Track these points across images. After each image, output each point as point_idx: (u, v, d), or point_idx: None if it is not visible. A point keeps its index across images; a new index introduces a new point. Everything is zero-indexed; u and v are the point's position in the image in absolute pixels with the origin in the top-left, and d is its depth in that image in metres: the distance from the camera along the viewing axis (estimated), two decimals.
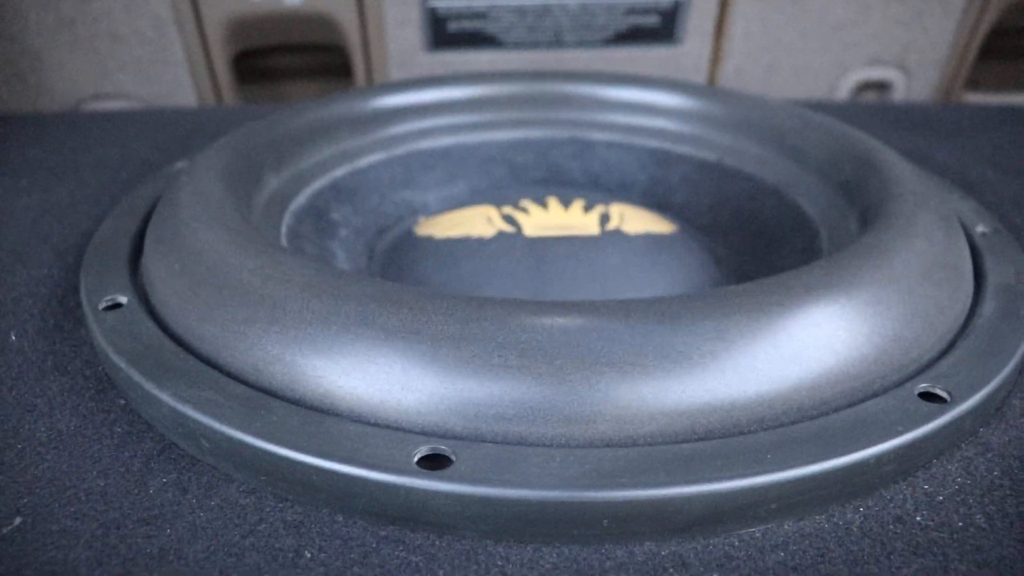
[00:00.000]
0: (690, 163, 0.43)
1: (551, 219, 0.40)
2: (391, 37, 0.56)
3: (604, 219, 0.41)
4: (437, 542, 0.20)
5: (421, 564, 0.20)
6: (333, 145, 0.42)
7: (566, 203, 0.42)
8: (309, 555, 0.20)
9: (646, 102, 0.45)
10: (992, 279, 0.31)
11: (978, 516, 0.22)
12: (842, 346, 0.23)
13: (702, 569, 0.20)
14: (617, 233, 0.39)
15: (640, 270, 0.36)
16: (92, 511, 0.21)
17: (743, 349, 0.22)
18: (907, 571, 0.20)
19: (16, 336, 0.29)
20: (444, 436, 0.21)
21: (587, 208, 0.42)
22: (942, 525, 0.21)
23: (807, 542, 0.21)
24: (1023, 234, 0.38)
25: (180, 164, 0.41)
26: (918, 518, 0.21)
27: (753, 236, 0.39)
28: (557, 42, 0.57)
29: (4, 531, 0.21)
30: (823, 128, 0.40)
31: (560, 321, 0.22)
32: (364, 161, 0.42)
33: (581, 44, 0.57)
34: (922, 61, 0.62)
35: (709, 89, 0.46)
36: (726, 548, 0.21)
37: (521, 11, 0.55)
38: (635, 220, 0.41)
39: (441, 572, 0.19)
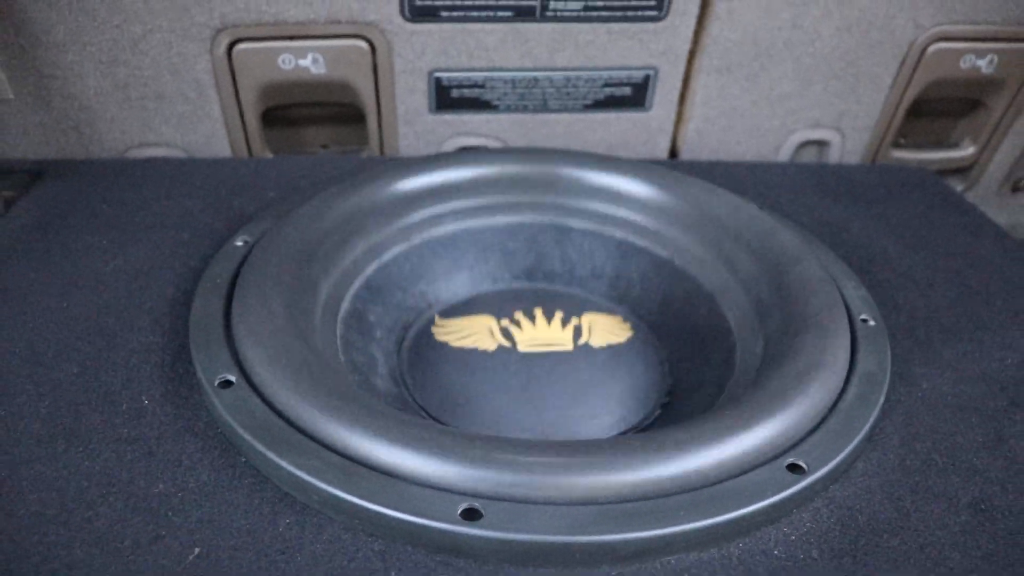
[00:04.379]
0: (647, 257, 0.54)
1: (538, 334, 0.51)
2: (400, 100, 0.65)
3: (577, 333, 0.51)
4: (473, 564, 0.31)
5: None
6: (363, 240, 0.51)
7: (549, 316, 0.53)
8: (393, 574, 0.31)
9: (616, 189, 0.55)
10: (860, 368, 0.42)
11: (814, 551, 0.33)
12: (739, 451, 0.34)
13: None
14: (586, 347, 0.50)
15: (602, 381, 0.48)
16: (244, 543, 0.32)
17: (667, 460, 0.33)
18: None
19: (148, 401, 0.40)
20: (476, 496, 0.32)
21: (564, 322, 0.52)
22: (791, 556, 0.33)
23: (703, 567, 0.32)
24: (900, 315, 0.50)
25: (239, 241, 0.50)
26: (776, 552, 0.33)
27: (688, 339, 0.50)
28: (544, 107, 0.67)
29: (188, 560, 0.31)
30: (754, 239, 0.50)
31: (548, 454, 0.33)
32: (388, 255, 0.52)
33: (564, 109, 0.67)
34: (855, 124, 0.73)
35: (674, 179, 0.55)
36: (652, 570, 0.32)
37: (513, 82, 0.65)
38: (600, 332, 0.52)
39: None
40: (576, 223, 0.56)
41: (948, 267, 0.55)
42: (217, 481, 0.35)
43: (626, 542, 0.31)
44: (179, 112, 0.64)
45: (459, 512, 0.32)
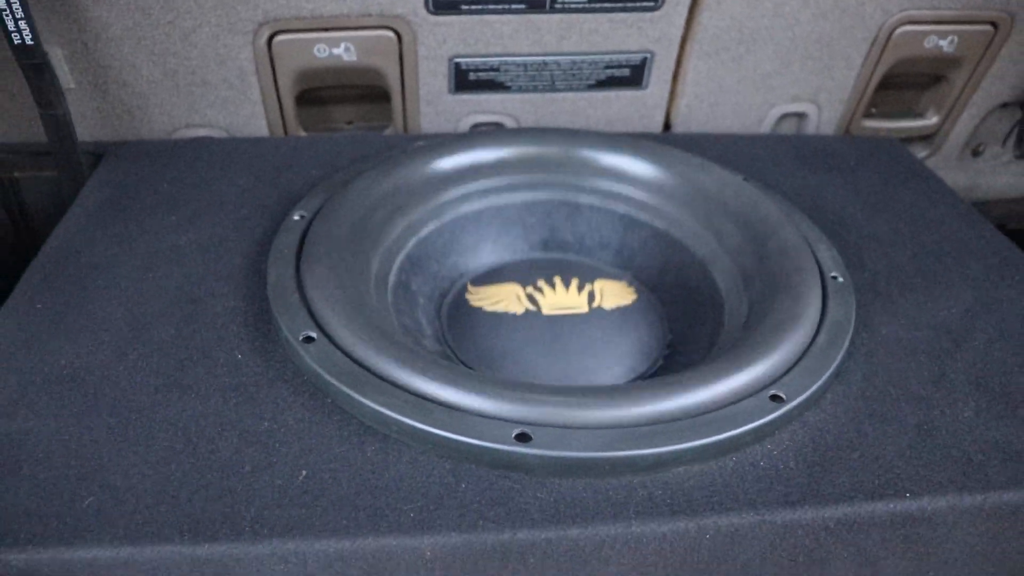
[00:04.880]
0: (647, 230, 0.62)
1: (558, 299, 0.59)
2: (423, 83, 0.72)
3: (591, 297, 0.59)
4: (525, 476, 0.40)
5: (518, 488, 0.39)
6: (403, 218, 0.58)
7: (566, 282, 0.60)
8: (464, 486, 0.39)
9: (620, 168, 0.63)
10: (830, 317, 0.51)
11: (791, 463, 0.42)
12: (730, 388, 0.43)
13: (654, 488, 0.40)
14: (599, 310, 0.58)
15: (614, 339, 0.57)
16: (340, 466, 0.40)
17: (674, 394, 0.41)
18: (751, 487, 0.40)
19: (240, 355, 0.47)
20: (527, 424, 0.41)
21: (579, 288, 0.60)
22: (772, 467, 0.42)
23: (705, 475, 0.41)
24: (864, 272, 0.58)
25: (296, 216, 0.58)
26: (761, 463, 0.42)
27: (684, 301, 0.58)
28: (552, 87, 0.74)
29: (299, 479, 0.40)
30: (740, 212, 0.58)
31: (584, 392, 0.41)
32: (424, 231, 0.59)
33: (570, 89, 0.75)
34: (830, 98, 0.81)
35: (670, 158, 0.63)
36: (666, 478, 0.41)
37: (525, 65, 0.72)
38: (609, 296, 0.60)
39: (528, 492, 0.39)
40: (585, 199, 0.64)
41: (907, 229, 0.64)
42: (310, 419, 0.44)
43: (644, 456, 0.40)
44: (223, 96, 0.70)
45: (513, 436, 0.40)
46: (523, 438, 0.40)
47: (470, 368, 0.53)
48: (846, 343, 0.49)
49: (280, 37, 0.67)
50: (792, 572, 0.42)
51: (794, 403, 0.44)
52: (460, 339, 0.56)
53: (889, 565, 0.43)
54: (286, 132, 0.74)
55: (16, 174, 0.70)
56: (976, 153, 0.91)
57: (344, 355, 0.45)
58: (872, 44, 0.76)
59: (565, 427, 0.41)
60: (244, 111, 0.72)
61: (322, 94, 0.75)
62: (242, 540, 0.37)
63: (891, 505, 0.41)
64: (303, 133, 0.76)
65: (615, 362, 0.55)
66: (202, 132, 0.73)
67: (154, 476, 0.40)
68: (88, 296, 0.52)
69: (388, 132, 0.77)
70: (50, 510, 0.39)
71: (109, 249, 0.56)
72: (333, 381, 0.43)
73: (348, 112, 0.78)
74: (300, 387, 0.45)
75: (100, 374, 0.46)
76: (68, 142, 0.63)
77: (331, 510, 0.39)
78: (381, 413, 0.42)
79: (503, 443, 0.40)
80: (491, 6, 0.67)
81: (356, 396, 0.42)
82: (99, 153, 0.68)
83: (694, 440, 0.41)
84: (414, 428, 0.41)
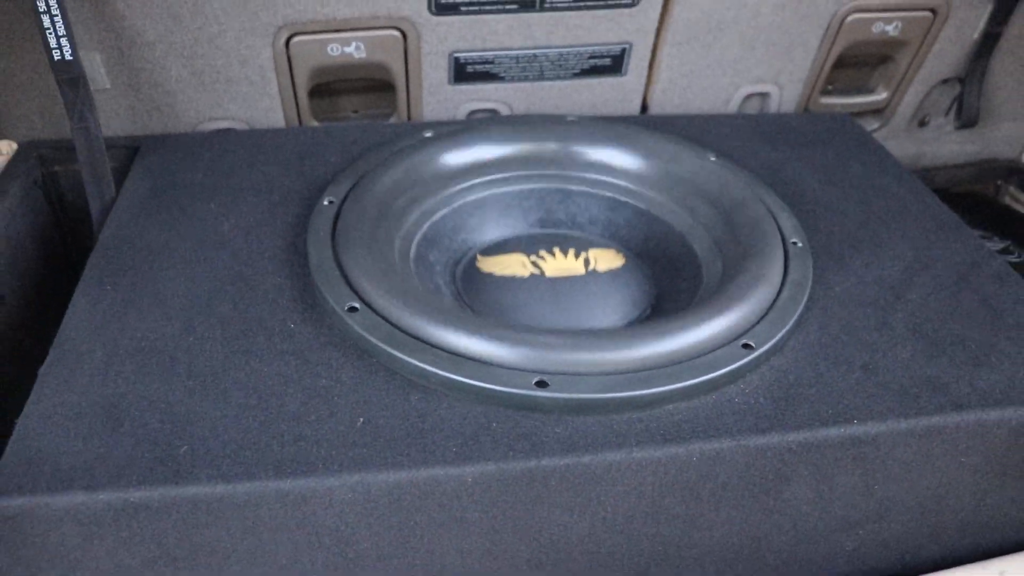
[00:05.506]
0: (631, 209, 0.70)
1: (558, 264, 0.67)
2: (425, 76, 0.80)
3: (586, 262, 0.68)
4: (543, 416, 0.49)
5: (539, 425, 0.48)
6: (419, 206, 0.66)
7: (564, 251, 0.69)
8: (495, 425, 0.48)
9: (605, 163, 0.71)
10: (791, 277, 0.59)
11: (761, 399, 0.51)
12: (710, 335, 0.52)
13: (649, 422, 0.49)
14: (594, 272, 0.67)
15: (608, 294, 0.65)
16: (390, 414, 0.49)
17: (664, 341, 0.50)
18: (729, 419, 0.50)
19: (293, 325, 0.55)
20: (544, 372, 0.49)
21: (576, 255, 0.68)
22: (745, 403, 0.51)
23: (690, 410, 0.50)
24: (820, 237, 0.68)
25: (326, 201, 0.65)
26: (736, 400, 0.51)
27: (667, 264, 0.67)
28: (541, 77, 0.82)
29: (358, 425, 0.48)
30: (711, 191, 0.67)
31: (589, 342, 0.50)
32: (437, 215, 0.67)
33: (557, 78, 0.83)
34: (790, 79, 0.90)
35: (649, 148, 0.71)
36: (660, 414, 0.50)
37: (517, 58, 0.80)
38: (602, 260, 0.68)
39: (548, 428, 0.48)
40: (575, 187, 0.72)
41: (857, 197, 0.73)
42: (360, 377, 0.52)
43: (641, 396, 0.49)
44: (244, 92, 0.77)
45: (533, 383, 0.49)
46: (541, 384, 0.49)
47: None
48: (804, 299, 0.58)
49: (297, 38, 0.74)
50: (763, 488, 0.51)
51: (762, 350, 0.53)
52: (475, 299, 0.64)
53: (841, 480, 0.53)
54: (300, 122, 0.81)
55: (56, 168, 0.77)
56: (922, 124, 1.00)
57: (385, 321, 0.53)
58: (826, 30, 0.84)
59: (576, 374, 0.50)
60: (263, 105, 0.79)
61: (331, 86, 0.83)
62: (316, 475, 0.46)
63: (842, 430, 0.50)
64: (315, 123, 0.83)
65: (610, 313, 0.64)
66: (224, 125, 0.80)
67: (235, 427, 0.49)
68: (150, 277, 0.60)
69: (392, 120, 0.84)
70: (153, 456, 0.47)
71: (161, 235, 0.64)
72: (378, 344, 0.52)
73: (354, 102, 0.85)
74: (347, 351, 0.54)
75: (173, 344, 0.54)
76: (97, 153, 0.69)
77: (387, 449, 0.47)
78: (421, 369, 0.50)
79: (525, 389, 0.49)
80: (487, 7, 0.74)
81: (399, 355, 0.51)
82: (133, 147, 0.75)
83: (681, 382, 0.50)
84: (450, 380, 0.50)
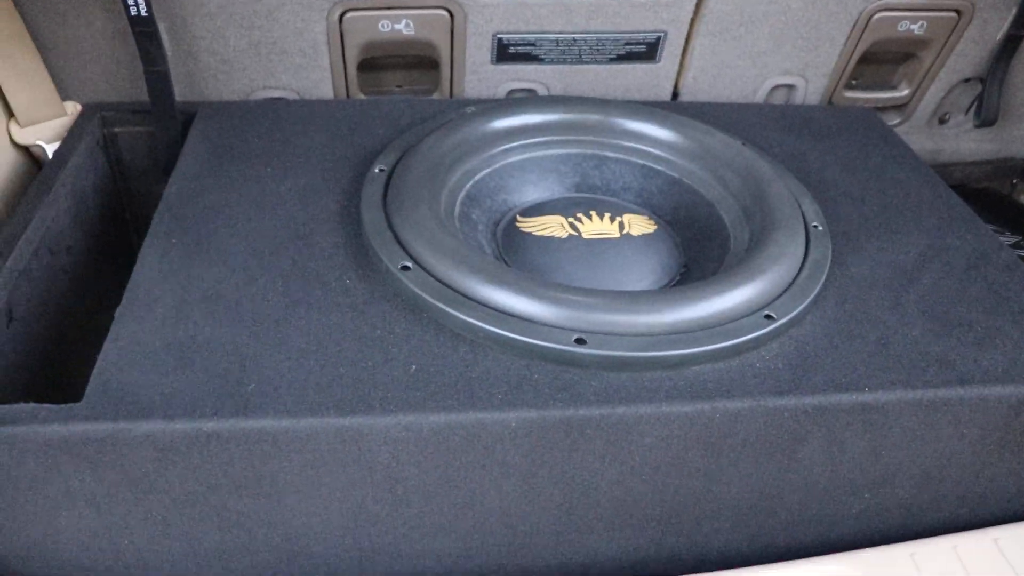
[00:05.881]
0: (663, 177, 0.74)
1: (594, 227, 0.71)
2: (469, 55, 0.84)
3: (621, 226, 0.72)
4: (581, 370, 0.53)
5: (577, 379, 0.53)
6: (462, 166, 0.70)
7: (600, 215, 0.73)
8: (536, 376, 0.52)
9: (641, 132, 0.75)
10: (811, 257, 0.63)
11: (780, 364, 0.56)
12: (735, 305, 0.56)
13: (678, 381, 0.53)
14: (628, 235, 0.71)
15: (640, 258, 0.68)
16: (439, 363, 0.53)
17: (694, 306, 0.55)
18: (750, 382, 0.54)
19: (349, 281, 0.60)
20: (583, 331, 0.54)
21: (611, 219, 0.72)
22: (766, 367, 0.55)
23: (716, 372, 0.55)
24: (839, 222, 0.71)
25: (377, 168, 0.70)
26: (758, 365, 0.55)
27: (696, 232, 0.71)
28: (579, 60, 0.86)
29: (411, 371, 0.53)
30: (742, 164, 0.71)
31: (625, 303, 0.54)
32: (479, 175, 0.71)
33: (594, 62, 0.86)
34: (816, 72, 0.93)
35: (681, 124, 0.75)
36: (688, 374, 0.54)
37: (557, 41, 0.84)
38: (635, 224, 0.72)
39: (585, 382, 0.52)
40: (610, 154, 0.76)
41: (876, 187, 0.77)
42: (411, 330, 0.56)
43: (670, 356, 0.54)
44: (296, 63, 0.81)
45: (573, 340, 0.53)
46: (580, 342, 0.54)
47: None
48: (823, 277, 0.63)
49: (350, 14, 0.78)
50: (779, 447, 0.56)
51: (782, 321, 0.58)
52: (515, 257, 0.68)
53: (851, 444, 0.57)
54: (347, 95, 0.85)
55: (116, 130, 0.81)
56: (942, 121, 1.04)
57: (435, 279, 0.57)
58: (853, 27, 0.88)
59: (612, 334, 0.54)
60: (313, 76, 0.83)
61: (377, 61, 0.87)
62: (373, 414, 0.50)
63: (854, 397, 0.55)
64: (361, 96, 0.87)
65: (643, 276, 0.67)
66: (276, 94, 0.84)
67: (298, 369, 0.53)
68: (212, 233, 0.64)
69: (435, 96, 0.88)
70: (223, 392, 0.51)
71: (221, 195, 0.68)
72: (429, 300, 0.56)
73: (398, 77, 0.89)
74: (399, 306, 0.58)
75: (237, 294, 0.59)
76: (168, 98, 0.74)
77: (438, 393, 0.52)
78: (470, 324, 0.55)
79: (565, 345, 0.53)
80: None
81: (449, 311, 0.55)
82: (190, 112, 0.79)
83: (708, 346, 0.54)
84: (496, 334, 0.54)
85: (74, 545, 0.55)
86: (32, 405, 0.50)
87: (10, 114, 0.78)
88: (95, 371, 0.52)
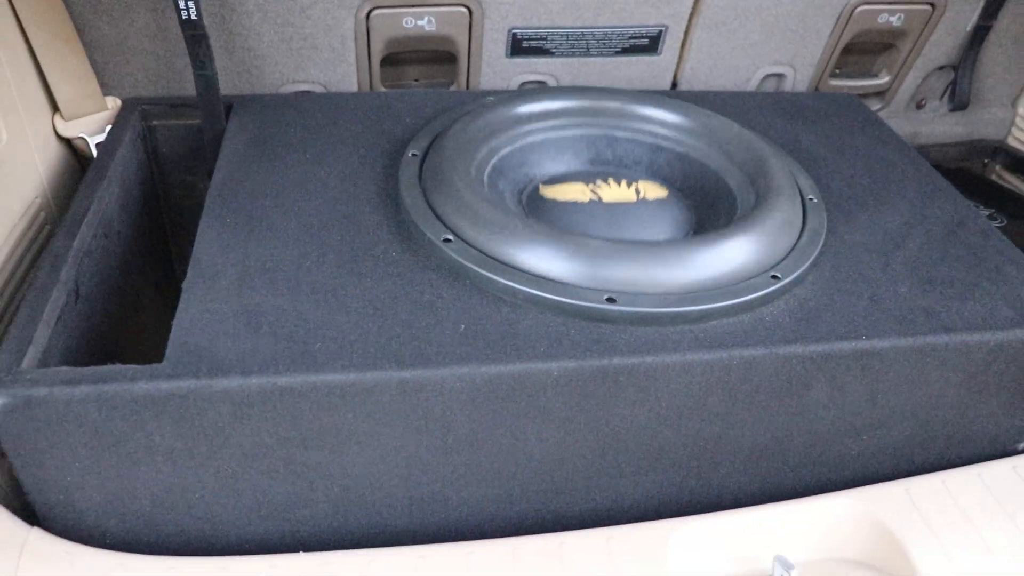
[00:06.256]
0: (672, 153, 0.81)
1: (613, 192, 0.77)
2: (486, 49, 0.90)
3: (637, 192, 0.78)
4: (612, 326, 0.59)
5: (609, 333, 0.59)
6: (488, 145, 0.76)
7: (618, 182, 0.79)
8: (572, 332, 0.59)
9: (649, 115, 0.82)
10: (808, 226, 0.70)
11: (786, 318, 0.62)
12: (743, 261, 0.63)
13: (699, 333, 0.60)
14: (644, 200, 0.77)
15: (655, 219, 0.75)
16: (484, 322, 0.58)
17: (712, 269, 0.61)
18: (761, 333, 0.61)
19: (395, 253, 0.66)
20: (612, 291, 0.60)
21: (628, 185, 0.79)
22: (774, 320, 0.62)
23: (730, 325, 0.61)
24: (832, 195, 0.78)
25: (411, 153, 0.75)
26: (767, 319, 0.62)
27: (704, 197, 0.77)
28: (587, 53, 0.92)
29: (460, 331, 0.59)
30: (743, 141, 0.78)
31: (647, 259, 0.61)
32: (503, 152, 0.77)
33: (601, 54, 0.93)
34: (804, 62, 1.00)
35: (685, 108, 0.82)
36: (706, 328, 0.61)
37: (567, 35, 0.90)
38: (650, 190, 0.78)
39: (616, 335, 0.59)
40: (621, 134, 0.83)
41: (863, 165, 0.84)
42: (457, 294, 0.62)
43: (691, 312, 0.60)
44: (325, 58, 0.87)
45: (604, 299, 0.60)
46: (611, 300, 0.60)
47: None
48: (820, 243, 0.69)
49: (377, 11, 0.84)
50: (788, 391, 0.62)
51: (787, 280, 0.64)
52: (542, 220, 0.73)
53: (851, 388, 0.64)
54: (371, 88, 0.91)
55: (154, 123, 0.86)
56: (919, 106, 1.12)
57: (476, 250, 0.63)
58: (837, 20, 0.95)
59: (639, 293, 0.60)
60: (340, 70, 0.89)
61: (398, 56, 0.92)
62: (430, 366, 0.56)
63: (852, 345, 0.61)
64: (383, 89, 0.93)
65: (660, 235, 0.73)
66: (304, 87, 0.90)
67: (358, 330, 0.59)
68: (262, 213, 0.70)
69: (452, 88, 0.94)
70: (292, 351, 0.57)
71: (267, 178, 0.74)
72: (473, 267, 0.62)
73: (417, 71, 0.95)
74: (443, 274, 0.64)
75: (294, 266, 0.64)
76: (214, 96, 0.80)
77: (486, 348, 0.58)
78: (511, 287, 0.61)
79: (597, 304, 0.59)
80: None
81: (491, 276, 0.61)
82: (226, 104, 0.84)
83: (723, 302, 0.61)
84: (535, 296, 0.60)
85: (148, 500, 0.60)
86: (120, 366, 0.56)
87: (55, 108, 0.83)
88: (172, 335, 0.58)
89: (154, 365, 0.56)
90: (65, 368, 0.55)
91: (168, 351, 0.57)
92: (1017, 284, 0.69)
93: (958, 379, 0.66)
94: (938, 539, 0.64)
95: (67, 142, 0.86)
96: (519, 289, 0.61)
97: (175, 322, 0.59)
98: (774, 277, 0.64)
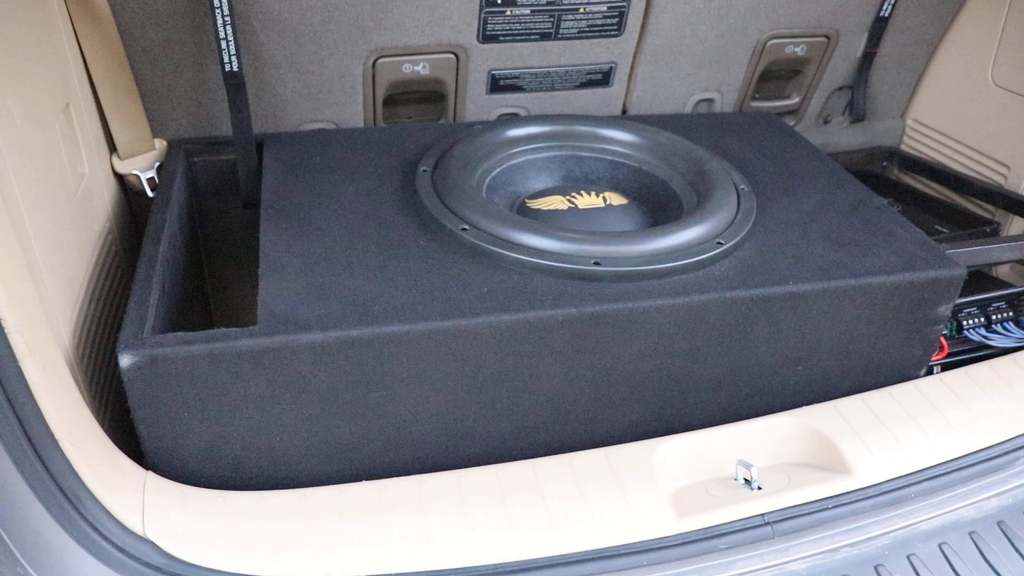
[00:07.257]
0: (628, 167, 1.00)
1: (586, 200, 0.95)
2: (470, 88, 1.09)
3: (604, 200, 0.96)
4: (597, 283, 0.77)
5: (598, 288, 0.77)
6: (483, 166, 0.94)
7: (588, 193, 0.98)
8: (570, 289, 0.76)
9: (608, 136, 1.02)
10: (742, 207, 0.90)
11: (731, 273, 0.81)
12: (696, 233, 0.82)
13: (667, 285, 0.78)
14: (611, 206, 0.95)
15: (621, 219, 0.93)
16: (500, 286, 0.75)
17: (668, 238, 0.80)
18: (713, 283, 0.79)
19: (423, 243, 0.83)
20: (598, 257, 0.78)
21: (597, 195, 0.97)
22: (722, 275, 0.80)
23: (691, 279, 0.79)
24: (758, 186, 0.98)
25: (422, 169, 0.93)
26: (716, 274, 0.80)
27: (656, 202, 0.96)
28: (552, 88, 1.12)
29: (484, 292, 0.76)
30: (685, 152, 0.97)
31: (623, 238, 0.80)
32: (495, 172, 0.95)
33: (563, 88, 1.13)
34: (729, 88, 1.22)
35: (640, 130, 1.02)
36: (672, 281, 0.79)
37: (536, 74, 1.10)
38: (614, 199, 0.97)
39: (604, 290, 0.76)
40: (586, 154, 1.02)
41: (782, 164, 1.04)
42: (477, 269, 0.79)
43: (658, 269, 0.78)
44: (337, 100, 1.05)
45: (592, 263, 0.78)
46: (597, 264, 0.78)
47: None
48: (752, 219, 0.89)
49: (382, 60, 1.02)
50: (736, 329, 0.81)
51: (729, 245, 0.83)
52: None
53: (785, 325, 0.82)
54: (375, 124, 1.09)
55: (195, 159, 1.02)
56: (826, 121, 1.34)
57: (488, 234, 0.81)
58: (753, 52, 1.17)
59: (618, 257, 0.79)
60: (350, 110, 1.06)
61: (395, 97, 1.11)
62: (466, 316, 0.73)
63: (783, 288, 0.80)
64: (384, 125, 1.11)
65: (624, 227, 0.92)
66: (319, 125, 1.07)
67: (405, 296, 0.76)
68: (310, 219, 0.86)
69: (442, 121, 1.13)
70: (358, 312, 0.73)
71: (306, 196, 0.90)
72: (487, 246, 0.80)
73: (409, 110, 1.14)
74: (464, 255, 0.81)
75: (344, 255, 0.81)
76: (249, 137, 0.96)
77: (506, 302, 0.75)
78: (520, 260, 0.78)
79: (587, 266, 0.77)
80: (518, 37, 1.04)
81: (503, 252, 0.79)
82: (260, 141, 1.01)
83: (682, 261, 0.80)
84: (539, 264, 0.78)
85: (238, 444, 0.75)
86: (222, 329, 0.71)
87: (113, 149, 0.99)
88: (259, 306, 0.74)
89: (250, 327, 0.71)
90: (180, 333, 0.70)
91: (259, 317, 0.72)
92: (905, 242, 0.89)
93: (866, 315, 0.85)
94: (862, 440, 0.82)
95: (120, 178, 1.01)
96: (526, 260, 0.78)
97: (259, 297, 0.75)
98: (719, 243, 0.83)
